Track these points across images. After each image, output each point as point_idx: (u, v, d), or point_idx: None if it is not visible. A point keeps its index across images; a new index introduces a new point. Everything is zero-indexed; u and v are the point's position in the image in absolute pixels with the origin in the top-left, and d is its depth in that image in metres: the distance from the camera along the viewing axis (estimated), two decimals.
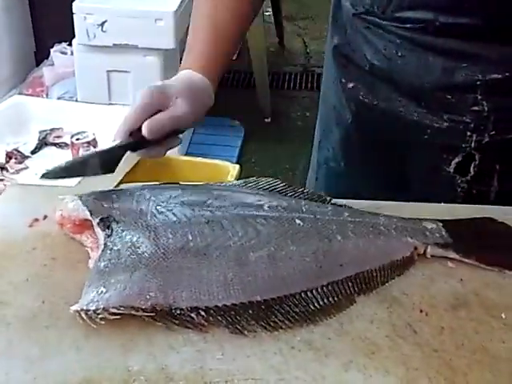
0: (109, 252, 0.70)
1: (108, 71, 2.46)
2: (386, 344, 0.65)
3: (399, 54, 0.92)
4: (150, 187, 0.81)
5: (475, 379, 0.62)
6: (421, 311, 0.69)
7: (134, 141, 0.82)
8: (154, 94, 0.82)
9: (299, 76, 3.56)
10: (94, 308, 0.65)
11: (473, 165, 0.93)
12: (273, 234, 0.74)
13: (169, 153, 0.88)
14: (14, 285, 0.72)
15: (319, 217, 0.79)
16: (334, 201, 0.84)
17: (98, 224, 0.73)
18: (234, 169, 1.89)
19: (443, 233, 0.79)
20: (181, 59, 2.38)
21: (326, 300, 0.70)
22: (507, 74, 0.87)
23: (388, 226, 0.79)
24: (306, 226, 0.76)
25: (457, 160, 0.93)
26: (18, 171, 1.74)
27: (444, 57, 0.89)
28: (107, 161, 0.82)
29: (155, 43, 2.37)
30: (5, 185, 1.61)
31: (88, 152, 0.83)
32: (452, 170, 0.94)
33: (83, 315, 0.65)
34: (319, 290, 0.70)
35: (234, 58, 3.41)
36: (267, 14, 3.81)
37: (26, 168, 1.77)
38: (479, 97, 0.89)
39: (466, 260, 0.76)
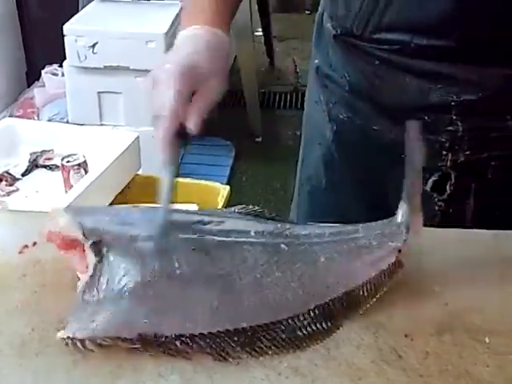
0: (96, 280, 0.70)
1: (99, 92, 2.48)
2: (372, 369, 0.66)
3: (377, 75, 0.94)
4: (141, 209, 0.82)
5: None
6: (406, 336, 0.70)
7: (182, 144, 0.80)
8: (187, 80, 0.78)
9: (289, 95, 3.59)
10: (80, 337, 0.66)
11: (449, 183, 0.95)
12: (258, 260, 0.75)
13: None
14: (5, 312, 0.72)
15: (303, 240, 0.79)
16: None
17: (90, 247, 0.73)
18: (224, 190, 1.90)
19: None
20: None
21: (313, 326, 0.70)
22: (481, 95, 0.90)
23: (368, 237, 0.79)
24: (290, 251, 0.77)
25: (433, 179, 0.95)
26: (8, 193, 1.74)
27: (420, 78, 0.92)
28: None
29: (146, 64, 2.37)
30: None
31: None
32: (429, 189, 0.96)
33: (69, 343, 0.65)
34: (306, 315, 0.71)
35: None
36: (257, 33, 3.85)
37: (17, 190, 1.77)
38: (454, 117, 0.92)
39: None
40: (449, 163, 0.94)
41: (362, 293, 0.74)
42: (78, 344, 0.65)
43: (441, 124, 0.93)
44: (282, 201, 2.78)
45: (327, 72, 1.03)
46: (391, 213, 0.93)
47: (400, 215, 0.79)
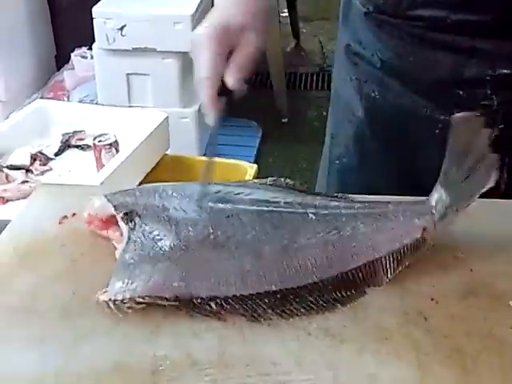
0: (133, 244, 0.74)
1: (127, 74, 2.51)
2: (398, 330, 0.68)
3: (410, 52, 0.95)
4: (171, 185, 0.85)
5: (483, 363, 0.65)
6: (432, 300, 0.72)
7: (226, 101, 0.82)
8: (221, 41, 0.80)
9: (315, 76, 3.60)
10: (120, 298, 0.70)
11: None
12: (287, 228, 0.77)
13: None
14: (46, 278, 0.76)
15: (331, 211, 0.82)
16: (346, 195, 0.88)
17: (122, 218, 0.77)
18: (251, 168, 1.93)
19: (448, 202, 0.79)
20: None
21: (337, 291, 0.73)
22: None
23: (396, 213, 0.81)
24: (317, 220, 0.80)
25: None
26: (42, 173, 1.79)
27: (454, 53, 0.92)
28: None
29: (173, 46, 2.41)
30: (30, 186, 1.67)
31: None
32: None
33: (111, 305, 0.69)
34: (330, 280, 0.74)
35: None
36: (283, 15, 3.85)
37: (50, 170, 1.82)
38: (489, 91, 0.92)
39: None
40: None
41: (384, 264, 0.76)
42: (119, 304, 0.69)
43: (475, 99, 0.93)
44: (308, 181, 2.79)
45: (357, 50, 1.04)
46: (422, 190, 0.95)
47: (434, 198, 0.80)
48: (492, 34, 0.90)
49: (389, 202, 0.83)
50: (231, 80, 0.80)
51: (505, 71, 0.91)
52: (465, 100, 0.94)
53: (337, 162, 1.12)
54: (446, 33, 0.91)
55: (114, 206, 0.79)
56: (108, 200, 0.80)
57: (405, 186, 0.99)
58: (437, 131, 0.97)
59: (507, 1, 0.88)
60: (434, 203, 0.80)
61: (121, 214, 0.78)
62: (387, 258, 0.76)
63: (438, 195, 0.80)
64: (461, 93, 0.94)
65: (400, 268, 0.76)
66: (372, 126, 1.04)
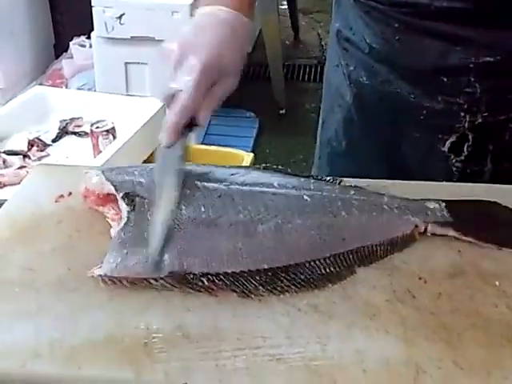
0: (131, 225, 0.75)
1: (126, 63, 2.52)
2: (387, 307, 0.70)
3: (397, 38, 0.97)
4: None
5: (469, 339, 0.66)
6: (420, 278, 0.74)
7: (188, 133, 0.82)
8: (208, 77, 0.81)
9: (314, 68, 3.61)
10: (115, 274, 0.71)
11: (466, 145, 0.98)
12: (281, 208, 0.79)
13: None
14: (42, 254, 0.77)
15: (326, 194, 0.83)
16: (343, 180, 0.89)
17: (123, 198, 0.78)
18: (248, 156, 1.94)
19: (444, 212, 0.83)
20: None
21: (328, 269, 0.74)
22: (498, 58, 0.92)
23: (391, 205, 0.83)
24: (312, 202, 0.81)
25: (451, 140, 0.98)
26: (39, 158, 1.80)
27: (439, 40, 0.94)
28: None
29: (172, 35, 2.41)
30: (27, 171, 1.68)
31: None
32: (447, 150, 0.99)
33: (105, 279, 0.71)
34: (322, 260, 0.75)
35: (250, 50, 3.46)
36: (282, 7, 3.86)
37: (48, 155, 1.83)
38: (472, 79, 0.94)
39: (464, 238, 0.80)
40: (467, 125, 0.97)
41: (374, 250, 0.78)
42: (114, 279, 0.70)
43: (459, 86, 0.95)
44: (304, 172, 2.80)
45: (347, 35, 1.05)
46: (407, 175, 0.97)
47: (432, 204, 0.83)
48: (475, 22, 0.91)
49: (383, 194, 0.85)
50: (202, 116, 0.81)
51: (488, 59, 0.92)
52: (448, 87, 0.95)
53: (327, 146, 1.14)
54: (431, 20, 0.93)
55: (114, 186, 0.80)
56: (106, 178, 0.81)
57: (391, 171, 1.01)
58: (421, 117, 0.99)
59: None
60: (431, 206, 0.83)
61: (121, 194, 0.79)
62: (377, 246, 0.78)
63: (437, 204, 0.83)
64: (445, 80, 0.95)
65: (388, 257, 0.77)
66: (360, 111, 1.06)
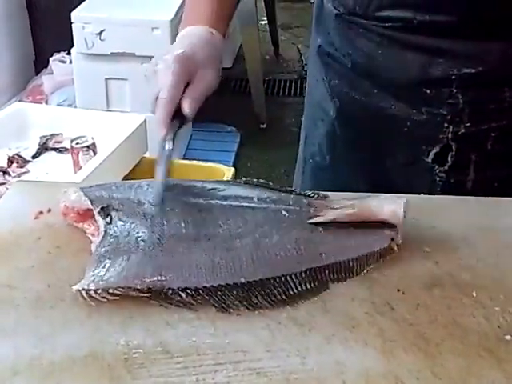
0: (108, 238, 0.75)
1: (106, 79, 2.52)
2: (366, 319, 0.70)
3: (379, 52, 0.98)
4: (147, 181, 0.86)
5: (447, 349, 0.67)
6: (398, 290, 0.74)
7: (178, 125, 0.86)
8: (183, 70, 0.86)
9: (294, 83, 3.63)
10: (94, 288, 0.71)
11: (450, 155, 0.99)
12: (259, 223, 0.79)
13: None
14: (22, 270, 0.77)
15: (304, 209, 0.84)
16: (322, 193, 0.90)
17: (99, 212, 0.78)
18: (229, 171, 1.95)
19: None
20: None
21: (303, 285, 0.75)
22: (480, 69, 0.94)
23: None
24: (290, 217, 0.82)
25: (435, 151, 0.99)
26: (19, 175, 1.79)
27: (421, 53, 0.95)
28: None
29: (152, 51, 2.43)
30: (7, 188, 1.67)
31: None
32: (430, 161, 1.00)
33: (84, 294, 0.70)
34: (298, 275, 0.75)
35: (230, 65, 3.48)
36: (262, 22, 3.89)
37: (28, 172, 1.82)
38: (454, 90, 0.95)
39: None
40: (450, 135, 0.98)
41: (351, 265, 0.78)
42: (93, 294, 0.70)
43: (441, 97, 0.97)
44: (285, 186, 2.81)
45: (329, 51, 1.07)
46: (390, 189, 0.98)
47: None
48: (457, 35, 0.93)
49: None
50: (186, 105, 0.85)
51: (470, 70, 0.94)
52: (431, 98, 0.97)
53: (310, 160, 1.15)
54: (413, 33, 0.95)
55: (91, 201, 0.81)
56: (84, 194, 0.81)
57: (374, 185, 1.02)
58: (405, 129, 1.00)
59: (470, 3, 0.91)
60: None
61: (98, 209, 0.80)
62: (354, 260, 0.78)
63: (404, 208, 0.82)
64: (428, 92, 0.97)
65: (365, 271, 0.78)
66: (343, 125, 1.07)
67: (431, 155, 1.00)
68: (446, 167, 1.00)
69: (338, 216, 0.82)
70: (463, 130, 0.97)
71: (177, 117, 0.86)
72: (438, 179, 1.01)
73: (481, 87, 0.95)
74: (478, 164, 0.99)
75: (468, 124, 0.97)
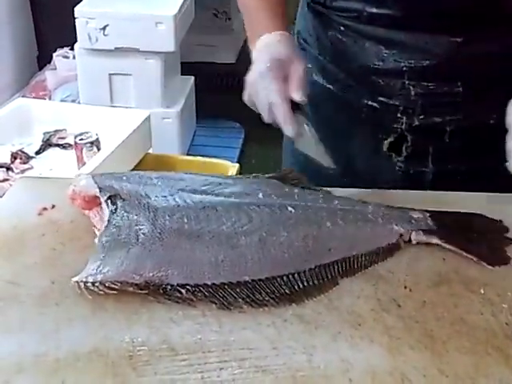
0: (111, 228, 0.75)
1: (110, 74, 2.51)
2: (372, 317, 0.70)
3: (341, 40, 1.01)
4: (157, 173, 0.86)
5: (454, 347, 0.66)
6: (405, 287, 0.74)
7: (299, 113, 0.89)
8: (277, 69, 0.89)
9: None
10: (91, 280, 0.71)
11: (405, 145, 1.01)
12: (265, 220, 0.79)
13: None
14: (26, 267, 0.77)
15: (310, 204, 0.83)
16: (326, 189, 0.89)
17: (106, 201, 0.78)
18: (233, 167, 1.94)
19: (428, 221, 0.83)
20: (181, 62, 2.43)
21: (310, 282, 0.74)
22: (429, 61, 0.95)
23: (375, 214, 0.83)
24: (297, 213, 0.81)
25: (390, 140, 1.02)
26: (22, 171, 1.79)
27: (376, 44, 0.98)
28: None
29: (156, 46, 2.42)
30: (10, 184, 1.66)
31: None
32: (386, 149, 1.02)
33: (82, 286, 0.70)
34: (306, 272, 0.75)
35: (234, 61, 3.47)
36: None
37: (31, 168, 1.82)
38: (406, 82, 0.98)
39: (448, 246, 0.80)
40: (404, 126, 1.00)
41: (359, 260, 0.78)
42: (90, 286, 0.70)
43: (394, 88, 0.99)
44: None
45: (304, 36, 1.11)
46: (357, 175, 1.00)
47: (417, 214, 0.84)
48: (405, 27, 0.95)
49: (368, 203, 0.85)
50: (297, 94, 0.87)
51: (419, 63, 0.96)
52: (385, 88, 0.99)
53: (288, 143, 1.17)
54: (367, 24, 0.97)
55: (100, 188, 0.80)
56: (94, 181, 0.81)
57: (341, 171, 1.03)
58: (363, 115, 1.03)
59: None
60: (415, 215, 0.83)
61: (105, 197, 0.79)
62: (362, 256, 0.78)
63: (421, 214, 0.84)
64: (381, 82, 0.99)
65: (372, 266, 0.78)
66: (313, 110, 1.09)
67: (386, 144, 1.02)
68: (403, 158, 1.02)
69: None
70: (417, 122, 1.00)
71: (293, 108, 0.88)
72: (397, 168, 1.03)
73: (431, 80, 0.96)
74: (436, 156, 1.01)
75: (422, 116, 0.99)
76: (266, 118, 0.90)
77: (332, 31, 1.02)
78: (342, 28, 1.01)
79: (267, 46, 0.94)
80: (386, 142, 1.02)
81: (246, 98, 0.93)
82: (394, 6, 0.94)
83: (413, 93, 0.98)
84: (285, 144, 1.22)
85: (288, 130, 0.88)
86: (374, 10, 0.96)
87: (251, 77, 0.92)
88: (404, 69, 0.97)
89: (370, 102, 1.01)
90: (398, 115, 1.00)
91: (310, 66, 1.08)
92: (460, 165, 1.01)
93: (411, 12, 0.94)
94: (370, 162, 1.06)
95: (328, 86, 1.06)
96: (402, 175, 1.03)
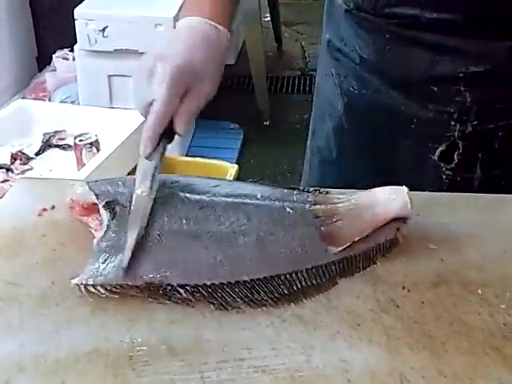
0: (111, 233, 0.76)
1: (109, 76, 2.52)
2: (370, 317, 0.70)
3: (387, 48, 0.98)
4: None
5: (452, 347, 0.67)
6: (403, 288, 0.74)
7: (166, 143, 0.83)
8: (180, 81, 0.81)
9: (297, 80, 3.63)
10: (92, 283, 0.71)
11: (456, 153, 0.99)
12: (263, 221, 0.79)
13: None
14: (26, 268, 0.77)
15: (308, 206, 0.84)
16: (325, 190, 0.89)
17: (103, 207, 0.78)
18: (232, 168, 1.95)
19: None
20: None
21: (309, 282, 0.74)
22: (487, 67, 0.93)
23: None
24: (294, 214, 0.81)
25: (441, 148, 0.99)
26: (22, 172, 1.80)
27: (429, 50, 0.95)
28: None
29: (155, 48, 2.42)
30: (10, 185, 1.67)
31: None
32: (437, 158, 1.00)
33: (82, 289, 0.71)
34: (304, 272, 0.75)
35: (233, 62, 3.47)
36: (266, 19, 3.88)
37: (31, 169, 1.83)
38: (462, 88, 0.95)
39: None
40: (457, 133, 0.97)
41: (357, 260, 0.78)
42: (91, 289, 0.70)
43: (449, 95, 0.96)
44: (289, 183, 2.81)
45: (338, 46, 1.07)
46: (399, 183, 0.98)
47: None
48: (463, 33, 0.93)
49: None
50: (178, 125, 0.81)
51: (477, 69, 0.94)
52: (439, 96, 0.97)
53: (318, 155, 1.15)
54: (421, 30, 0.94)
55: (96, 195, 0.80)
56: (90, 188, 0.81)
57: (382, 180, 1.02)
58: (412, 126, 1.00)
59: (476, 1, 0.91)
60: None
61: (102, 203, 0.80)
62: (360, 255, 0.78)
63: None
64: (435, 89, 0.96)
65: (371, 265, 0.78)
66: (351, 121, 1.07)
67: (437, 153, 0.99)
68: (453, 165, 0.99)
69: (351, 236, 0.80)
70: (470, 129, 0.97)
71: (166, 133, 0.81)
72: (444, 177, 1.00)
73: (488, 86, 0.95)
74: (485, 162, 0.99)
75: (475, 123, 0.96)
76: (136, 107, 0.83)
77: (377, 39, 0.99)
78: (390, 36, 0.97)
79: (192, 37, 0.84)
80: (437, 151, 0.99)
81: (139, 66, 0.85)
82: (456, 11, 0.91)
83: (469, 99, 0.95)
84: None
85: (143, 149, 0.81)
86: (434, 15, 0.92)
87: (161, 60, 0.82)
88: (460, 75, 0.94)
89: (420, 112, 0.98)
90: (452, 123, 0.97)
91: (345, 75, 1.05)
92: (508, 170, 1.00)
93: (473, 17, 0.91)
94: (414, 172, 1.02)
95: (369, 96, 1.02)
96: (448, 183, 1.00)
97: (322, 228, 0.80)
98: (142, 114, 0.83)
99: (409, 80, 0.98)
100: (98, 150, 1.78)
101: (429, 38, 0.95)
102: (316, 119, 1.17)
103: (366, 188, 0.89)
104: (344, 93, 1.06)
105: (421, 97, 0.98)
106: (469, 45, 0.93)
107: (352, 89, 1.04)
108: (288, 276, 0.75)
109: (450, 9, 0.91)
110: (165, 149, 0.83)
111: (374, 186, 0.93)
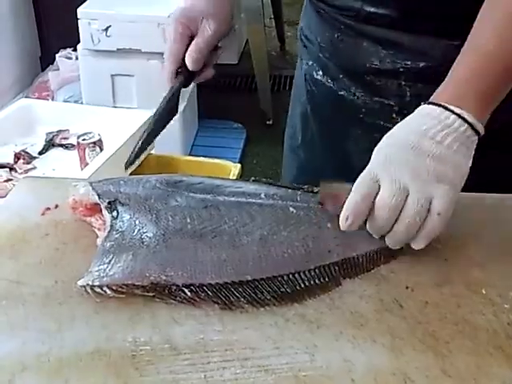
0: (114, 233, 0.75)
1: (112, 75, 2.53)
2: (374, 317, 0.70)
3: (340, 38, 1.01)
4: (156, 176, 0.86)
5: (457, 347, 0.66)
6: (407, 288, 0.74)
7: (184, 77, 0.93)
8: (182, 24, 0.91)
9: None
10: (98, 284, 0.71)
11: None
12: (266, 220, 0.79)
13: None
14: (30, 267, 0.77)
15: (312, 205, 0.83)
16: None
17: (106, 207, 0.78)
18: (235, 168, 1.95)
19: None
20: None
21: (312, 282, 0.74)
22: (426, 64, 0.95)
23: None
24: (298, 214, 0.81)
25: None
26: (26, 171, 1.80)
27: (374, 43, 0.98)
28: (171, 107, 0.96)
29: (158, 47, 2.42)
30: (13, 184, 1.67)
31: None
32: None
33: (88, 290, 0.70)
34: (306, 272, 0.75)
35: (236, 61, 3.47)
36: (268, 18, 3.87)
37: (34, 168, 1.83)
38: (403, 83, 0.98)
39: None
40: None
41: (360, 262, 0.77)
42: (97, 290, 0.70)
43: (391, 88, 0.99)
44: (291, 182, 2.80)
45: (306, 33, 1.10)
46: (355, 175, 0.99)
47: None
48: (402, 28, 0.95)
49: None
50: (189, 59, 0.90)
51: (417, 65, 0.95)
52: (382, 89, 0.99)
53: (289, 141, 1.19)
54: (365, 23, 0.97)
55: (98, 195, 0.80)
56: (92, 188, 0.81)
57: (338, 171, 1.03)
58: (361, 115, 1.02)
59: None
60: None
61: (105, 203, 0.80)
62: (363, 257, 0.78)
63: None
64: (379, 82, 0.99)
65: (375, 268, 0.77)
66: (313, 108, 1.10)
67: None
68: None
69: None
70: None
71: (182, 72, 0.92)
72: None
73: (426, 82, 0.95)
74: None
75: None
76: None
77: (332, 29, 1.02)
78: (342, 27, 1.00)
79: None
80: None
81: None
82: (391, 6, 0.94)
83: (408, 94, 0.98)
84: (286, 146, 1.22)
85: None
86: (372, 10, 0.95)
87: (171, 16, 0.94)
88: (401, 70, 0.97)
89: (367, 102, 1.01)
90: (394, 115, 1.00)
91: (311, 63, 1.08)
92: None
93: (409, 13, 0.93)
94: (365, 161, 1.05)
95: (328, 84, 1.06)
96: None
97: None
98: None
99: (357, 71, 1.01)
100: (101, 150, 1.78)
101: (374, 31, 0.97)
102: (291, 106, 1.20)
103: (328, 177, 0.89)
104: (308, 79, 1.09)
105: (368, 88, 1.01)
106: (408, 40, 0.95)
107: (315, 75, 1.07)
108: (291, 276, 0.75)
109: (386, 4, 0.94)
110: (180, 83, 0.94)
111: (331, 176, 0.94)
